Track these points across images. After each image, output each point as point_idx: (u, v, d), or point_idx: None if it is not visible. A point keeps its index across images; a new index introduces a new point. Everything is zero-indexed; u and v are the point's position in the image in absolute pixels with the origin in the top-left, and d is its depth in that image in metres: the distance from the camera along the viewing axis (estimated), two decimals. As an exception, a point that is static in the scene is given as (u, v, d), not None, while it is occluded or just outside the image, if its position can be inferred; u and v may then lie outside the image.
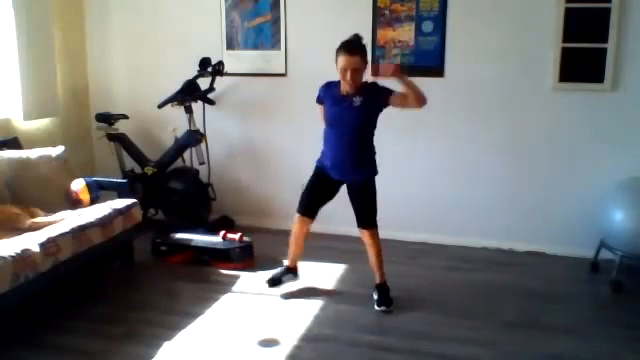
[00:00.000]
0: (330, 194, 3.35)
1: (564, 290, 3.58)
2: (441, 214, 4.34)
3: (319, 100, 3.33)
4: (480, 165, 4.21)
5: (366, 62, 3.11)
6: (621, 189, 3.62)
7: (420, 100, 3.04)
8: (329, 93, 3.23)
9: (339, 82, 3.15)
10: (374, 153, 3.29)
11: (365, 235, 3.33)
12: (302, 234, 3.45)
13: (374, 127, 3.23)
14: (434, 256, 4.14)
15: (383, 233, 4.39)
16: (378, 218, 4.58)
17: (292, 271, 3.56)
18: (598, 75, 3.84)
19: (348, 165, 3.23)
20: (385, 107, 3.16)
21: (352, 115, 3.13)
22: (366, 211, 3.30)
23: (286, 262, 3.59)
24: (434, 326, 3.09)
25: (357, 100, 3.10)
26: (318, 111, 3.39)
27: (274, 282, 3.50)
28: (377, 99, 3.12)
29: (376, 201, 3.31)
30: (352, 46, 3.04)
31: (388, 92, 3.10)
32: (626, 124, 3.89)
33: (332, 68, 4.36)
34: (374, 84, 3.17)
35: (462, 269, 3.91)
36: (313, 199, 3.37)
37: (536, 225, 4.16)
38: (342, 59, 3.02)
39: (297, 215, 3.41)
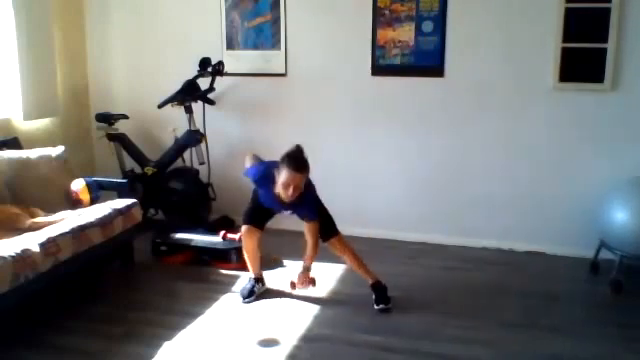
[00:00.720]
0: (272, 214, 3.40)
1: (564, 290, 3.58)
2: (441, 214, 4.34)
3: (254, 182, 3.25)
4: (480, 165, 4.21)
5: (307, 177, 3.11)
6: (621, 189, 3.62)
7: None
8: (264, 185, 3.17)
9: (273, 180, 3.07)
10: (313, 189, 3.30)
11: (334, 244, 3.36)
12: (255, 243, 3.42)
13: None
14: (434, 256, 4.14)
15: (383, 233, 4.43)
16: (379, 218, 4.60)
17: (259, 280, 3.51)
18: (598, 75, 3.84)
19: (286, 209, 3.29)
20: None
21: (282, 212, 3.31)
22: (325, 224, 3.31)
23: (251, 274, 3.51)
24: (434, 326, 3.09)
25: (287, 212, 3.25)
26: (247, 159, 3.37)
27: (249, 294, 3.43)
28: (303, 216, 3.23)
29: (327, 211, 3.35)
30: (299, 164, 3.00)
31: (312, 218, 3.21)
32: (626, 124, 3.88)
33: (332, 68, 4.39)
34: (309, 199, 3.19)
35: (462, 269, 3.91)
36: (259, 215, 3.37)
37: (536, 225, 4.16)
38: (288, 175, 2.97)
39: (245, 227, 3.37)
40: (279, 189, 3.04)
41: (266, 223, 3.42)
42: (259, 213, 3.37)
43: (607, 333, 3.04)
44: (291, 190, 2.99)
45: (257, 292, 3.44)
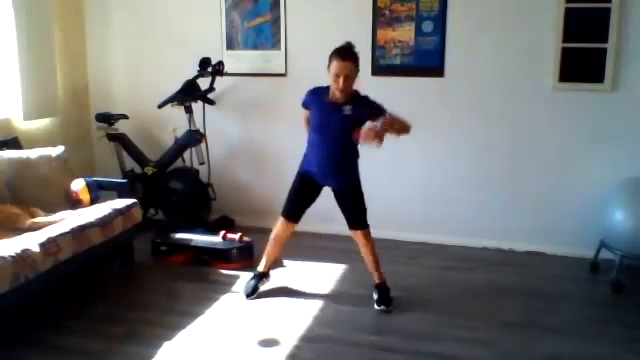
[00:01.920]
0: (313, 198, 3.35)
1: (564, 290, 3.58)
2: (441, 214, 4.34)
3: (305, 105, 3.32)
4: (480, 165, 4.21)
5: (358, 69, 3.10)
6: (621, 189, 3.62)
7: (408, 133, 3.15)
8: (317, 99, 3.22)
9: (327, 88, 3.15)
10: (358, 157, 3.28)
11: (358, 236, 3.33)
12: (285, 237, 3.43)
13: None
14: (434, 256, 4.14)
15: (383, 233, 4.41)
16: (379, 218, 4.58)
17: (264, 275, 3.52)
18: (598, 75, 3.84)
19: (333, 170, 3.24)
20: (369, 119, 3.12)
21: (340, 122, 3.13)
22: (356, 212, 3.30)
23: (259, 268, 3.52)
24: (434, 326, 3.09)
25: (347, 109, 3.10)
26: (302, 116, 3.38)
27: (253, 291, 3.43)
28: (368, 113, 3.11)
29: (364, 200, 3.31)
30: (345, 52, 3.05)
31: (380, 112, 3.07)
32: (626, 124, 3.89)
33: (332, 68, 4.37)
34: (366, 98, 3.16)
35: (462, 269, 3.91)
36: (298, 204, 3.35)
37: (536, 225, 4.16)
38: (335, 65, 3.02)
39: (281, 219, 3.38)
40: (332, 86, 3.07)
41: (302, 215, 3.37)
42: (300, 199, 3.33)
43: (607, 333, 3.04)
44: (341, 81, 3.00)
45: (261, 288, 3.45)
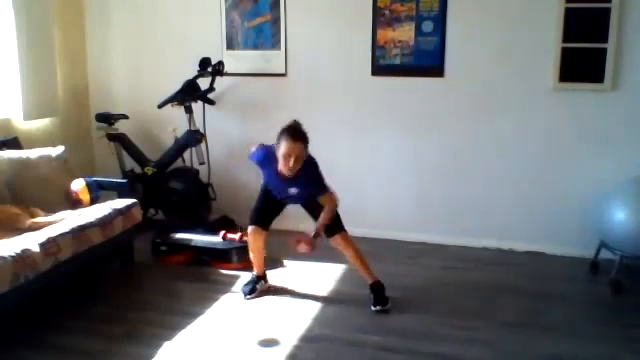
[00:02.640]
0: (280, 209, 3.42)
1: (564, 290, 3.58)
2: (441, 214, 4.34)
3: (257, 163, 3.28)
4: (480, 165, 4.21)
5: (307, 149, 3.11)
6: (621, 189, 3.62)
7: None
8: (267, 165, 3.20)
9: (274, 155, 3.11)
10: (317, 167, 3.25)
11: (337, 241, 3.33)
12: (260, 244, 3.44)
13: None
14: (434, 256, 4.14)
15: (383, 233, 4.43)
16: (379, 218, 4.59)
17: (262, 278, 3.55)
18: (598, 75, 3.84)
19: (293, 199, 3.32)
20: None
21: (289, 199, 3.30)
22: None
23: (254, 272, 3.54)
24: (434, 326, 3.09)
25: (293, 190, 3.21)
26: (254, 150, 3.31)
27: (251, 291, 3.46)
28: (311, 193, 3.22)
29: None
30: (296, 134, 3.04)
31: (319, 193, 3.19)
32: (626, 124, 3.88)
33: (332, 68, 4.39)
34: (312, 173, 3.17)
35: (462, 269, 3.91)
36: (265, 214, 3.39)
37: (536, 225, 4.16)
38: (286, 145, 3.01)
39: (252, 227, 3.39)
40: (281, 164, 3.07)
41: (272, 222, 3.42)
42: (266, 211, 3.38)
43: (607, 333, 3.04)
44: (292, 161, 3.01)
45: (259, 289, 3.47)
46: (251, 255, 3.51)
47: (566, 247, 4.09)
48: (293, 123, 3.11)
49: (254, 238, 3.41)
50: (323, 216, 3.19)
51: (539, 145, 4.07)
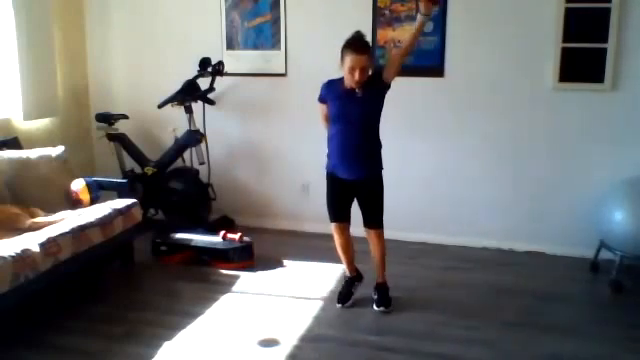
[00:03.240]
0: (350, 195, 3.26)
1: (564, 290, 3.58)
2: (441, 214, 4.34)
3: (321, 99, 3.27)
4: (480, 165, 4.21)
5: (372, 59, 3.05)
6: (621, 189, 3.62)
7: (414, 45, 3.12)
8: (331, 91, 3.18)
9: (340, 79, 3.11)
10: (380, 147, 3.23)
11: (371, 235, 3.28)
12: (345, 240, 3.34)
13: (379, 119, 3.17)
14: (434, 256, 4.14)
15: (384, 233, 4.41)
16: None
17: (355, 278, 3.46)
18: (598, 75, 3.84)
19: (356, 159, 3.15)
20: (386, 89, 3.10)
21: (357, 107, 3.08)
22: (374, 211, 3.23)
23: (346, 273, 3.46)
24: (434, 326, 3.09)
25: (359, 92, 3.06)
26: (319, 111, 3.33)
27: (346, 297, 3.35)
28: (376, 84, 3.09)
29: (383, 201, 3.24)
30: (360, 45, 2.99)
31: (380, 71, 3.10)
32: (626, 124, 3.89)
33: (332, 68, 4.37)
34: (373, 73, 3.11)
35: (462, 269, 3.91)
36: (338, 204, 3.28)
37: (536, 225, 4.16)
38: (351, 58, 2.95)
39: (333, 225, 3.32)
40: (347, 78, 3.02)
41: (350, 212, 3.30)
42: (340, 202, 3.26)
43: (607, 333, 3.04)
44: (357, 73, 2.96)
45: (355, 292, 3.39)
46: (340, 255, 3.39)
47: (566, 247, 4.09)
48: (356, 34, 3.04)
49: (338, 235, 3.31)
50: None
51: (539, 145, 4.07)
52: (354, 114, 3.09)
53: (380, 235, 3.28)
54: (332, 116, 3.19)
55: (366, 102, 3.08)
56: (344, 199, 3.27)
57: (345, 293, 3.37)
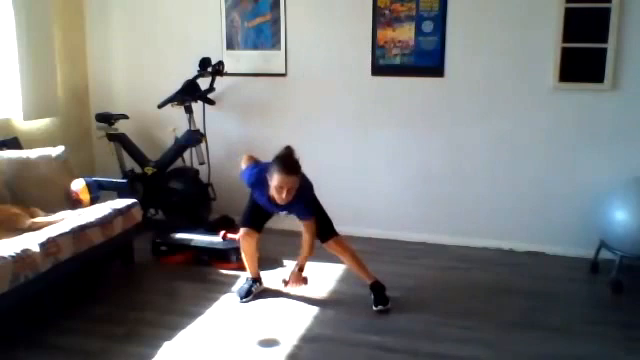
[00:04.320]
0: (271, 214, 3.40)
1: (564, 290, 3.58)
2: (441, 214, 4.34)
3: (249, 185, 3.25)
4: (480, 165, 4.21)
5: (300, 176, 3.05)
6: (621, 189, 3.62)
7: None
8: (260, 189, 3.17)
9: (266, 181, 3.06)
10: (310, 188, 3.27)
11: (331, 246, 3.34)
12: (253, 247, 3.43)
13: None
14: (434, 256, 4.13)
15: (383, 233, 4.42)
16: (379, 217, 4.59)
17: (257, 280, 3.53)
18: (598, 75, 3.84)
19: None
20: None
21: (282, 210, 3.27)
22: (321, 226, 3.30)
23: (249, 274, 3.53)
24: (434, 326, 3.09)
25: (283, 212, 3.27)
26: (244, 168, 3.26)
27: (246, 294, 3.44)
28: (298, 215, 3.24)
29: (325, 212, 3.33)
30: (291, 167, 2.99)
31: (306, 217, 3.21)
32: (626, 124, 3.88)
33: (332, 68, 4.39)
34: (305, 198, 3.16)
35: (462, 269, 3.91)
36: (256, 216, 3.37)
37: (536, 225, 4.16)
38: (280, 178, 2.95)
39: (243, 229, 3.38)
40: (272, 192, 3.04)
41: (264, 224, 3.42)
42: (257, 215, 3.37)
43: (607, 333, 3.04)
44: (285, 193, 2.98)
45: (255, 292, 3.45)
46: (244, 258, 3.48)
47: (566, 247, 4.09)
48: (286, 152, 3.03)
49: (246, 241, 3.39)
50: (305, 247, 3.26)
51: (539, 145, 4.07)
52: (279, 212, 3.32)
53: (340, 242, 3.35)
54: (257, 203, 3.29)
55: (292, 211, 3.25)
56: (265, 215, 3.40)
57: (247, 291, 3.44)
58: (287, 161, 3.00)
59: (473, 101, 4.15)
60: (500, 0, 3.98)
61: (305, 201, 3.19)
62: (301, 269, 3.34)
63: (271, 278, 3.64)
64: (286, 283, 3.36)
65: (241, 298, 3.40)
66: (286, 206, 3.14)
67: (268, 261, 3.91)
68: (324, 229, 3.32)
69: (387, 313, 3.23)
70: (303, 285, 3.35)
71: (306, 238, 3.26)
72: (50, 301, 3.26)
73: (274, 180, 2.98)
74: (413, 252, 4.20)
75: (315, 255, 3.99)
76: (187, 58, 4.52)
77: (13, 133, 4.04)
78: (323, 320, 3.17)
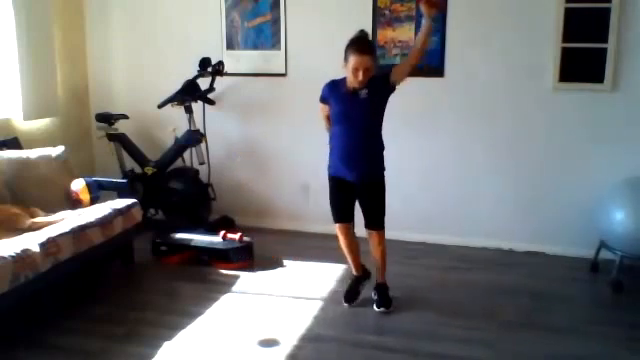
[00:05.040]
0: (353, 195, 3.25)
1: (564, 290, 3.58)
2: (441, 214, 4.34)
3: (323, 99, 3.24)
4: (480, 165, 4.21)
5: (376, 59, 3.04)
6: (621, 189, 3.62)
7: (426, 46, 3.08)
8: (334, 91, 3.16)
9: (343, 79, 3.11)
10: (383, 148, 3.21)
11: (373, 236, 3.28)
12: (350, 240, 3.34)
13: (381, 122, 3.16)
14: (434, 256, 4.13)
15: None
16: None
17: (362, 276, 3.45)
18: (598, 75, 3.84)
19: (358, 161, 3.14)
20: (391, 92, 3.11)
21: (360, 108, 3.08)
22: (376, 212, 3.23)
23: (353, 272, 3.45)
24: (434, 326, 3.09)
25: (363, 93, 3.05)
26: (320, 111, 3.31)
27: (353, 296, 3.36)
28: (381, 86, 3.08)
29: (385, 202, 3.24)
30: (364, 46, 2.99)
31: (388, 73, 3.09)
32: (626, 124, 3.88)
33: (332, 68, 4.36)
34: (377, 75, 3.10)
35: (462, 269, 3.91)
36: (341, 205, 3.28)
37: (536, 225, 4.16)
38: (354, 59, 2.94)
39: (336, 225, 3.32)
40: (350, 79, 3.01)
41: (353, 213, 3.30)
42: (342, 205, 3.26)
43: (607, 333, 3.04)
44: (361, 74, 2.95)
45: (362, 291, 3.39)
46: (346, 255, 3.39)
47: (566, 247, 4.09)
48: (360, 34, 3.04)
49: (343, 235, 3.31)
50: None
51: (539, 145, 4.07)
52: (357, 115, 3.09)
53: (381, 236, 3.27)
54: (334, 117, 3.18)
55: (369, 103, 3.07)
56: (347, 200, 3.26)
57: (352, 292, 3.37)
58: (361, 41, 3.01)
59: (473, 101, 4.15)
60: (500, 0, 3.99)
61: (379, 75, 3.09)
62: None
63: (272, 278, 3.64)
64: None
65: (349, 303, 3.31)
66: (364, 90, 3.03)
67: (268, 261, 3.91)
68: (376, 217, 3.23)
69: (387, 314, 3.23)
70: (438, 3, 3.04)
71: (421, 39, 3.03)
72: (50, 301, 3.26)
73: (350, 62, 2.97)
74: (413, 252, 4.20)
75: (315, 255, 4.01)
76: (187, 58, 4.52)
77: (13, 133, 4.04)
78: (323, 320, 3.17)
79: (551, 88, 3.96)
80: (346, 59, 3.00)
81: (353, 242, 3.36)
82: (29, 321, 3.09)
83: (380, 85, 3.07)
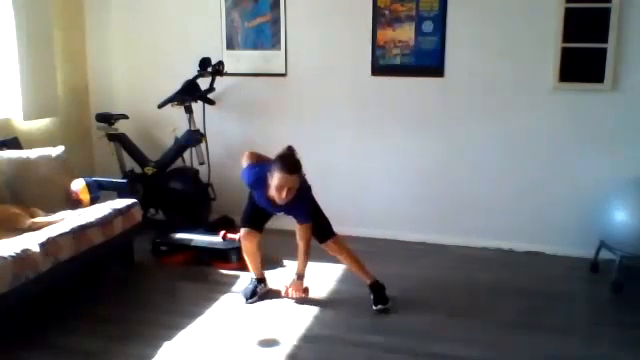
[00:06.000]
0: (271, 214, 3.38)
1: (564, 290, 3.58)
2: (441, 214, 4.34)
3: (249, 186, 3.25)
4: (480, 165, 4.21)
5: (301, 175, 3.06)
6: (621, 189, 3.62)
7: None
8: (258, 188, 3.17)
9: (266, 179, 3.06)
10: (309, 189, 3.29)
11: (331, 247, 3.35)
12: (255, 246, 3.40)
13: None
14: (434, 256, 4.14)
15: (383, 233, 4.42)
16: (379, 218, 4.58)
17: (262, 280, 3.51)
18: (598, 75, 3.84)
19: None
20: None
21: (280, 210, 3.24)
22: (320, 227, 3.32)
23: (253, 274, 3.50)
24: (434, 326, 3.09)
25: (281, 212, 3.24)
26: (245, 167, 3.22)
27: (252, 294, 3.42)
28: (295, 216, 3.25)
29: (323, 213, 3.34)
30: (292, 166, 2.99)
31: (303, 219, 3.23)
32: (626, 124, 3.88)
33: (332, 68, 4.39)
34: (303, 200, 3.17)
35: (462, 269, 3.91)
36: (256, 216, 3.36)
37: (536, 225, 4.16)
38: (280, 178, 2.95)
39: (243, 229, 3.36)
40: (272, 192, 3.03)
41: (265, 224, 3.41)
42: (257, 214, 3.36)
43: (607, 333, 3.04)
44: (284, 193, 2.98)
45: (260, 292, 3.44)
46: (246, 258, 3.46)
47: (566, 247, 4.09)
48: (287, 152, 3.05)
49: (248, 240, 3.37)
50: (301, 254, 3.30)
51: (539, 145, 4.07)
52: (278, 211, 3.28)
53: (338, 242, 3.35)
54: (256, 202, 3.28)
55: (288, 210, 3.21)
56: (265, 215, 3.37)
57: (252, 291, 3.42)
58: (288, 160, 3.01)
59: (473, 101, 4.15)
60: (500, 0, 3.99)
61: (304, 203, 3.19)
62: (300, 277, 3.36)
63: (272, 278, 3.64)
64: (287, 293, 3.37)
65: (246, 299, 3.38)
66: (285, 207, 3.14)
67: (268, 261, 3.90)
68: (322, 230, 3.33)
69: (387, 313, 3.23)
70: (303, 295, 3.37)
71: (301, 246, 3.28)
72: (50, 301, 3.26)
73: (275, 179, 2.98)
74: (413, 252, 4.20)
75: (315, 255, 4.00)
76: (187, 58, 4.52)
77: (13, 133, 4.04)
78: (323, 320, 3.17)
79: (551, 88, 3.96)
80: (271, 174, 3.00)
81: (257, 248, 3.42)
82: (29, 321, 3.09)
83: (296, 215, 3.23)
